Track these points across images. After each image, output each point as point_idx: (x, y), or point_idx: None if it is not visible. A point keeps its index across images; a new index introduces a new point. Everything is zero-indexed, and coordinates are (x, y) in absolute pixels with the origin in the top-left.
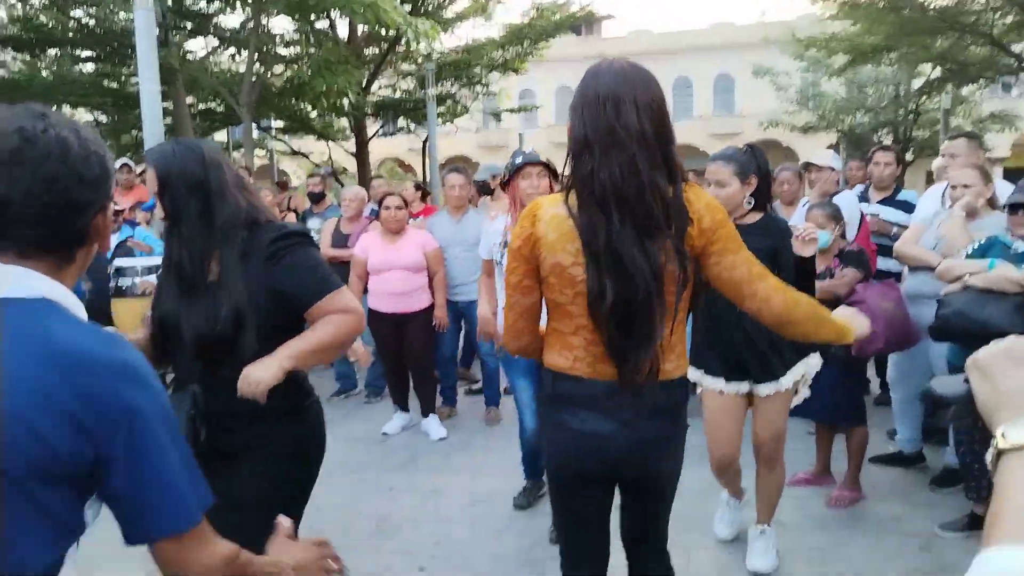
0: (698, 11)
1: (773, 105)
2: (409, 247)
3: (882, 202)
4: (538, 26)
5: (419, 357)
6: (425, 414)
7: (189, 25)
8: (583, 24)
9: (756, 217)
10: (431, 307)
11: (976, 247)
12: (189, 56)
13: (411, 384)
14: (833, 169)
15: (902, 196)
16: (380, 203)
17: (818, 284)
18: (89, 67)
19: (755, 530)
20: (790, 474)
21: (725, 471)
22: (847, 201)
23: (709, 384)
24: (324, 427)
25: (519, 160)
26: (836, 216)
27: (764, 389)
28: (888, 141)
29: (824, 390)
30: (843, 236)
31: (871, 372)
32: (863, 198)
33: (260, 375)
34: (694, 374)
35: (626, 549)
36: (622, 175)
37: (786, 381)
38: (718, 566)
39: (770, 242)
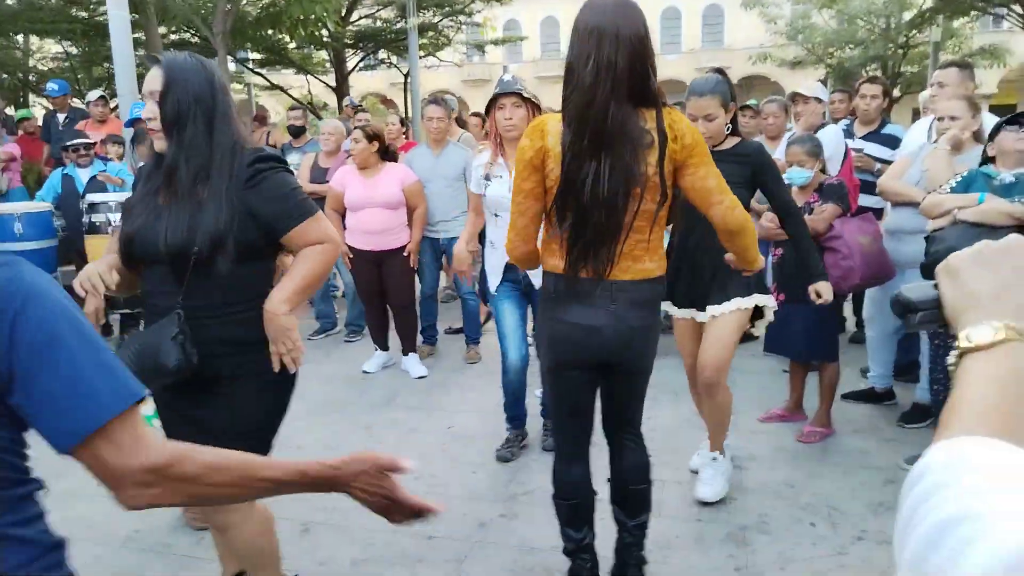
0: None
1: (762, 38)
2: (386, 183)
3: (867, 136)
4: None
5: (399, 295)
6: (405, 352)
7: None
8: None
9: (732, 142)
10: None
11: (959, 180)
12: None
13: (391, 323)
14: (820, 100)
15: (888, 130)
16: None
17: None
18: None
19: (705, 457)
20: (764, 410)
21: (694, 381)
22: (832, 135)
23: (669, 310)
24: None
25: (496, 91)
26: (816, 152)
27: (703, 315)
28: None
29: (799, 328)
30: (824, 171)
31: (848, 311)
32: (848, 133)
33: (281, 335)
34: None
35: (607, 436)
36: (587, 100)
37: (726, 307)
38: (684, 499)
39: (747, 167)
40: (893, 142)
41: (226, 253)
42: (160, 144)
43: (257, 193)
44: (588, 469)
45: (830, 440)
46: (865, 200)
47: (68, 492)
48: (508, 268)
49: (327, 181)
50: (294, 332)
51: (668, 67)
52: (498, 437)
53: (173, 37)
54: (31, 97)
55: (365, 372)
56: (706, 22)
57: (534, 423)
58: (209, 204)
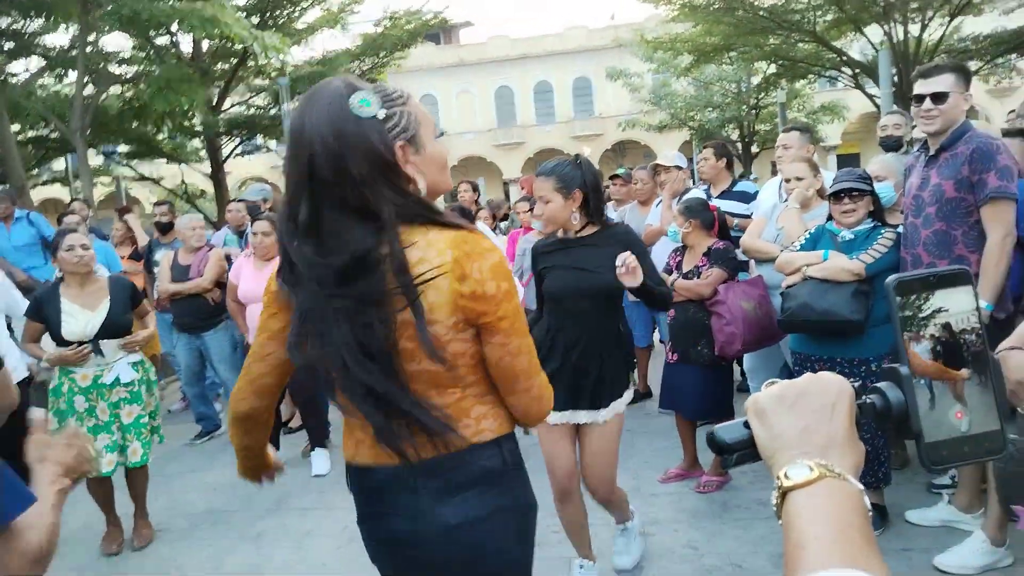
0: (555, 15)
1: (629, 106)
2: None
3: (722, 195)
4: (393, 36)
5: (299, 390)
6: (313, 447)
7: (9, 46)
8: (441, 32)
9: (593, 229)
10: None
11: (807, 237)
12: (12, 80)
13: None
14: (680, 168)
15: (739, 187)
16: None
17: (684, 284)
18: None
19: (616, 531)
20: (662, 471)
21: (568, 496)
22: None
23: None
24: None
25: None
26: (684, 212)
27: (585, 417)
28: (735, 135)
29: (690, 386)
30: (711, 231)
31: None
32: (708, 194)
33: None
34: None
35: None
36: (281, 220)
37: (605, 414)
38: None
39: (616, 251)
40: (746, 197)
41: None
42: None
43: None
44: None
45: (729, 494)
46: None
47: None
48: None
49: (190, 278)
50: None
51: (545, 137)
52: None
53: (31, 133)
54: None
55: None
56: (576, 94)
57: None
58: None
